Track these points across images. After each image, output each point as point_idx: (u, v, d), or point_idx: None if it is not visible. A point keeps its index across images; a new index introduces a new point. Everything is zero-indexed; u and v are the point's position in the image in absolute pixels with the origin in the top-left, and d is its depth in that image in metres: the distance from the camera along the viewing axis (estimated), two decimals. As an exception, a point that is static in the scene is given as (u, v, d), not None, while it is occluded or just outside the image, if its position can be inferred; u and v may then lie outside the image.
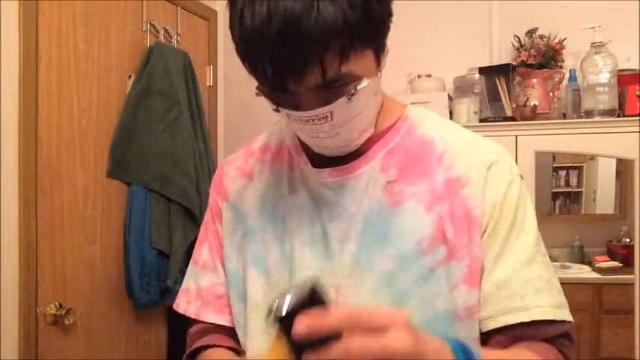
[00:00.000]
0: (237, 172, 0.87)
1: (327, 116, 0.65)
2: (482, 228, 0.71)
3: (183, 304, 0.88)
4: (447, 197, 0.72)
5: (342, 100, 0.64)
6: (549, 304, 0.69)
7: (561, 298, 0.72)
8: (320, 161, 0.77)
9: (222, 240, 0.85)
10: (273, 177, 0.82)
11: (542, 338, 0.71)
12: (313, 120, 0.66)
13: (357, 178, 0.75)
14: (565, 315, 0.70)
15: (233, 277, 0.83)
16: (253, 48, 0.60)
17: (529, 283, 0.70)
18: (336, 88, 0.63)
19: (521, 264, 0.71)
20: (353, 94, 0.64)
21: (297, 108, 0.65)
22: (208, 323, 0.85)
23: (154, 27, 2.03)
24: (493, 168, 0.73)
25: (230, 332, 0.85)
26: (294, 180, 0.79)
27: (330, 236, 0.74)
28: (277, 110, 0.67)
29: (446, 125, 0.80)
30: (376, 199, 0.73)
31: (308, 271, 0.75)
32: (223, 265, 0.85)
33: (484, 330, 0.71)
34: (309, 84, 0.61)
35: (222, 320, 0.84)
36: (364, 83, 0.64)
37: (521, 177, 0.76)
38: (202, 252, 0.88)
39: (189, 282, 0.89)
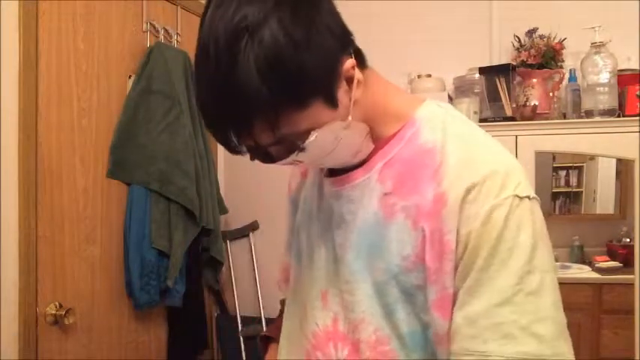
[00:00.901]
0: (297, 170, 0.94)
1: (294, 162, 0.67)
2: (453, 256, 0.65)
3: (278, 274, 1.05)
4: (432, 215, 0.67)
5: (297, 153, 0.65)
6: (514, 354, 0.61)
7: (537, 349, 0.61)
8: (331, 169, 0.80)
9: (288, 230, 0.96)
10: (313, 176, 0.87)
11: None
12: (285, 164, 0.69)
13: (353, 188, 0.75)
14: None
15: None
16: (201, 117, 0.66)
17: (497, 327, 0.62)
18: (282, 145, 0.64)
19: (493, 304, 0.62)
20: (301, 150, 0.64)
21: (261, 160, 0.69)
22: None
23: (154, 27, 2.03)
24: (476, 189, 0.65)
25: None
26: (322, 183, 0.83)
27: (335, 242, 0.77)
28: (251, 159, 0.69)
29: (455, 130, 0.72)
30: (372, 210, 0.73)
31: (321, 272, 0.80)
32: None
33: None
34: (249, 146, 0.65)
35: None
36: (312, 137, 0.64)
37: (521, 197, 0.65)
38: (287, 232, 0.98)
39: (282, 256, 1.02)
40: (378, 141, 0.74)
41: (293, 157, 0.66)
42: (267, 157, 0.68)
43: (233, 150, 0.66)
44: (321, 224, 0.81)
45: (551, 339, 0.62)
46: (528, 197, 0.66)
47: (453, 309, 0.66)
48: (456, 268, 0.66)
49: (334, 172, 0.78)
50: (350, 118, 0.68)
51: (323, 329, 0.77)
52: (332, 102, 0.64)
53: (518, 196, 0.65)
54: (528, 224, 0.64)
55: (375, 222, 0.72)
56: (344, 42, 0.66)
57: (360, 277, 0.73)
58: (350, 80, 0.67)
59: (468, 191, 0.65)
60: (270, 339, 1.00)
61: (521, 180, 0.67)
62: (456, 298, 0.66)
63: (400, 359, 0.71)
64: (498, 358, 0.61)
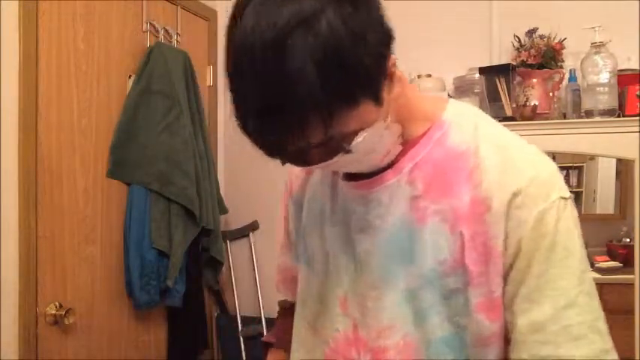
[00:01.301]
0: (301, 167, 0.88)
1: (330, 165, 0.63)
2: (500, 260, 0.66)
3: (276, 276, 1.03)
4: (471, 218, 0.67)
5: (340, 155, 0.61)
6: (586, 356, 0.63)
7: (602, 344, 0.64)
8: (351, 172, 0.76)
9: (291, 230, 0.92)
10: (321, 178, 0.84)
11: None
12: (319, 167, 0.65)
13: (382, 192, 0.72)
14: None
15: (298, 262, 0.90)
16: (239, 119, 0.59)
17: (566, 331, 0.63)
18: (329, 146, 0.60)
19: (559, 308, 0.64)
20: (349, 151, 0.61)
21: (296, 164, 0.65)
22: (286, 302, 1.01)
23: (154, 27, 2.03)
24: (522, 194, 0.65)
25: None
26: (336, 183, 0.80)
27: (357, 248, 0.75)
28: (282, 163, 0.66)
29: (486, 132, 0.71)
30: (401, 213, 0.71)
31: (342, 277, 0.77)
32: (291, 249, 0.93)
33: None
34: (297, 148, 0.59)
35: (289, 296, 0.98)
36: (360, 138, 0.60)
37: (566, 198, 0.67)
38: (280, 234, 0.97)
39: (278, 257, 1.01)
40: (406, 143, 0.72)
41: (335, 159, 0.62)
42: (306, 161, 0.63)
43: (275, 153, 0.61)
44: (336, 227, 0.78)
45: (606, 333, 0.65)
46: (570, 197, 0.68)
47: (502, 312, 0.67)
48: (504, 272, 0.66)
49: (354, 175, 0.74)
50: (389, 118, 0.65)
51: (344, 334, 0.76)
52: (378, 100, 0.61)
53: (563, 197, 0.66)
54: (576, 224, 0.67)
55: (405, 226, 0.71)
56: (390, 37, 0.63)
57: (389, 284, 0.71)
58: (391, 77, 0.64)
59: (515, 196, 0.65)
60: (270, 345, 1.00)
61: (561, 181, 0.68)
62: (505, 301, 0.67)
63: None
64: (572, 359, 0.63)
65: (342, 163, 0.64)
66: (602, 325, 0.65)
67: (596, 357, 0.63)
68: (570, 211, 0.67)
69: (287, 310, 1.00)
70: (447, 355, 0.70)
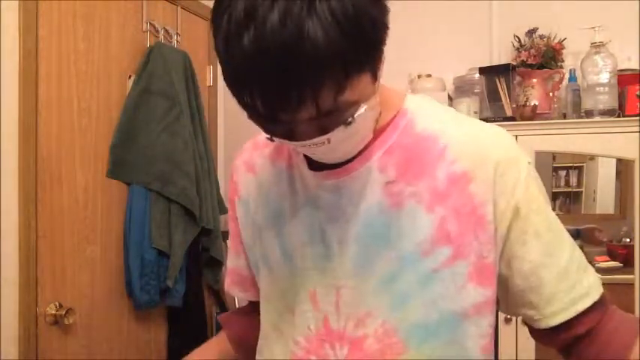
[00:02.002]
0: (244, 167, 0.87)
1: (324, 142, 0.62)
2: (491, 226, 0.69)
3: (224, 274, 1.01)
4: (451, 193, 0.69)
5: (340, 128, 0.60)
6: (595, 277, 0.73)
7: (588, 263, 0.75)
8: (317, 162, 0.74)
9: (242, 232, 0.88)
10: (274, 174, 0.81)
11: (601, 308, 0.73)
12: (309, 145, 0.62)
13: (353, 180, 0.72)
14: (600, 286, 0.74)
15: (255, 265, 0.87)
16: (241, 82, 0.56)
17: (579, 267, 0.72)
18: (332, 116, 0.59)
19: (569, 251, 0.72)
20: (350, 122, 0.60)
21: (291, 137, 0.61)
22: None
23: (154, 27, 2.03)
24: (504, 163, 0.70)
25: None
26: (294, 179, 0.78)
27: (329, 238, 0.74)
28: (271, 139, 0.64)
29: (448, 116, 0.76)
30: (375, 200, 0.71)
31: (310, 272, 0.75)
32: (245, 251, 0.90)
33: (552, 325, 0.72)
34: (303, 117, 0.57)
35: (248, 297, 0.93)
36: (362, 109, 0.60)
37: (529, 163, 0.74)
38: (230, 236, 0.94)
39: (227, 258, 0.97)
40: (374, 130, 0.73)
41: (334, 134, 0.60)
42: (299, 134, 0.61)
43: (270, 116, 0.58)
44: (300, 223, 0.76)
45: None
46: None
47: (495, 276, 0.71)
48: (496, 236, 0.70)
49: (321, 166, 0.73)
50: (378, 97, 0.65)
51: (315, 332, 0.75)
52: (376, 75, 0.61)
53: (529, 162, 0.74)
54: (539, 179, 0.75)
55: (380, 212, 0.71)
56: (387, 11, 0.62)
57: (365, 270, 0.71)
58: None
59: (498, 165, 0.70)
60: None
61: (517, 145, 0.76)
62: (504, 261, 0.71)
63: (409, 350, 0.70)
64: (593, 287, 0.72)
65: (332, 145, 0.62)
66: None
67: (598, 281, 0.74)
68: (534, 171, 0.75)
69: (243, 308, 0.99)
70: (428, 339, 0.70)
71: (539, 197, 0.72)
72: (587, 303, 0.71)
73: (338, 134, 0.61)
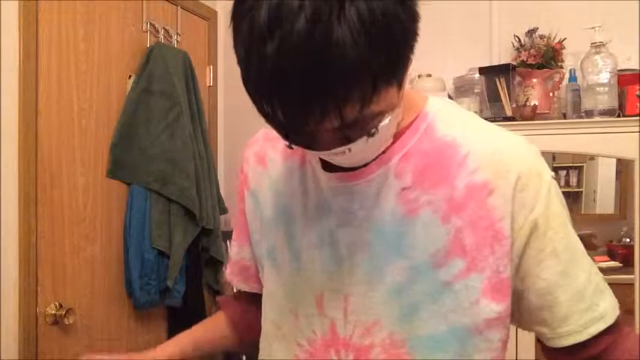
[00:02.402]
0: (254, 158, 0.85)
1: (344, 152, 0.60)
2: (509, 241, 0.67)
3: (226, 266, 0.97)
4: (468, 205, 0.67)
5: (363, 139, 0.58)
6: (611, 301, 0.72)
7: (610, 290, 0.73)
8: (331, 163, 0.71)
9: (249, 225, 0.87)
10: (286, 170, 0.79)
11: (615, 330, 0.72)
12: (329, 154, 0.61)
13: (368, 183, 0.69)
14: (618, 309, 0.73)
15: (261, 261, 0.85)
16: (262, 90, 0.53)
17: (596, 288, 0.71)
18: (356, 127, 0.57)
19: (587, 272, 0.70)
20: (374, 134, 0.58)
21: (311, 147, 0.60)
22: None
23: (154, 27, 2.03)
24: (525, 177, 0.67)
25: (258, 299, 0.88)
26: (306, 177, 0.76)
27: (339, 242, 0.71)
28: (290, 147, 0.61)
29: (471, 123, 0.72)
30: (389, 206, 0.69)
31: (318, 275, 0.73)
32: (251, 243, 0.88)
33: (562, 345, 0.70)
34: (326, 128, 0.55)
35: (249, 288, 0.91)
36: (386, 120, 0.58)
37: (554, 177, 0.71)
38: (235, 227, 0.93)
39: (230, 249, 0.95)
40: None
41: (357, 144, 0.58)
42: (321, 144, 0.59)
43: (292, 127, 0.56)
44: (311, 223, 0.74)
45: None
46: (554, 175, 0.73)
47: (509, 292, 0.69)
48: (513, 252, 0.68)
49: (335, 167, 0.70)
50: (402, 105, 0.64)
51: (321, 337, 0.73)
52: (402, 84, 0.59)
53: (552, 177, 0.71)
54: (562, 196, 0.73)
55: (393, 219, 0.68)
56: (417, 17, 0.59)
57: (375, 278, 0.69)
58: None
59: (519, 179, 0.67)
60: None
61: (542, 158, 0.73)
62: (518, 278, 0.69)
63: None
64: (610, 311, 0.71)
65: (354, 152, 0.60)
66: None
67: (615, 305, 0.72)
68: (558, 188, 0.73)
69: (241, 296, 0.96)
70: (436, 352, 0.68)
71: (560, 215, 0.70)
72: (600, 327, 0.69)
73: (360, 144, 0.59)
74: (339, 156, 0.61)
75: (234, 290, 0.97)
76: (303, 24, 0.49)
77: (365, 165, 0.69)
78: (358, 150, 0.60)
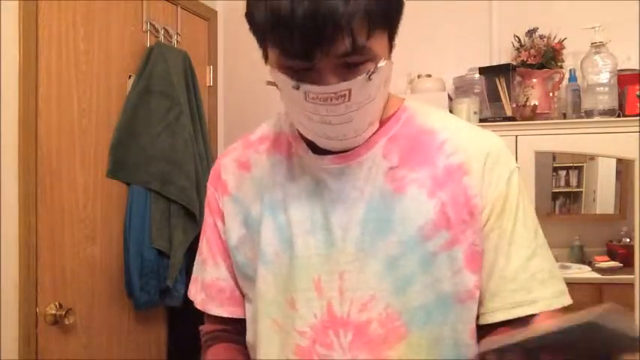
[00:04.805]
0: (235, 164, 0.86)
1: (345, 94, 0.66)
2: (481, 217, 0.74)
3: (193, 292, 0.93)
4: (448, 183, 0.74)
5: (362, 78, 0.65)
6: (552, 295, 0.74)
7: (561, 285, 0.76)
8: (320, 149, 0.76)
9: (227, 232, 0.84)
10: (270, 165, 0.82)
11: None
12: (331, 98, 0.66)
13: (359, 165, 0.75)
14: (564, 301, 0.75)
15: (243, 269, 0.83)
16: (281, 20, 0.61)
17: (534, 277, 0.73)
18: (358, 64, 0.65)
19: (525, 259, 0.74)
20: (373, 72, 0.65)
21: (318, 81, 0.66)
22: (216, 322, 0.90)
23: (154, 27, 2.03)
24: (493, 159, 0.75)
25: (236, 324, 0.87)
26: (293, 167, 0.79)
27: (333, 223, 0.75)
28: (297, 87, 0.66)
29: (445, 116, 0.82)
30: (378, 185, 0.74)
31: (313, 259, 0.75)
32: (226, 259, 0.86)
33: (491, 321, 0.74)
34: (337, 53, 0.63)
35: (225, 313, 0.88)
36: (383, 62, 0.66)
37: (519, 168, 0.78)
38: (203, 246, 0.90)
39: (196, 273, 0.92)
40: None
41: (355, 82, 0.65)
42: (325, 79, 0.66)
43: (306, 52, 0.63)
44: (301, 210, 0.76)
45: (561, 278, 0.77)
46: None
47: (481, 263, 0.74)
48: (483, 226, 0.74)
49: (326, 151, 0.75)
50: (391, 71, 0.72)
51: (320, 319, 0.74)
52: (392, 41, 0.71)
53: (517, 167, 0.78)
54: (525, 188, 0.78)
55: (384, 196, 0.74)
56: None
57: (369, 254, 0.73)
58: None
59: (487, 159, 0.75)
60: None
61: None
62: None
63: (411, 333, 0.72)
64: (543, 301, 0.72)
65: (352, 102, 0.67)
66: (557, 271, 0.77)
67: (556, 296, 0.74)
68: (520, 179, 0.78)
69: (219, 337, 0.91)
70: (428, 322, 0.72)
71: (515, 200, 0.75)
72: (527, 311, 0.72)
73: (358, 87, 0.65)
74: (340, 107, 0.66)
75: (205, 314, 0.92)
76: None
77: (353, 148, 0.75)
78: (356, 98, 0.66)
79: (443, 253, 0.72)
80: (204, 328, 0.94)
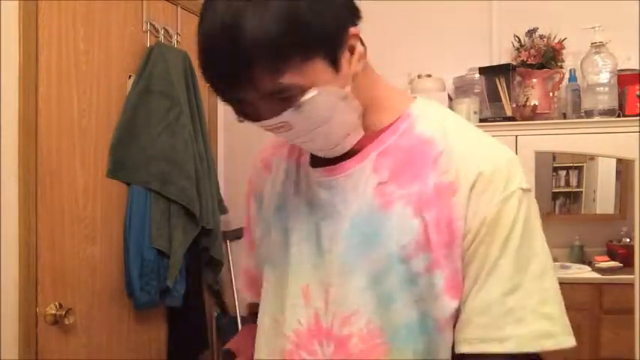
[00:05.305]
0: (261, 165, 0.91)
1: (282, 126, 0.65)
2: (462, 241, 0.68)
3: (240, 278, 1.02)
4: (435, 203, 0.69)
5: (291, 112, 0.63)
6: (530, 336, 0.66)
7: (545, 325, 0.67)
8: (319, 159, 0.77)
9: (252, 226, 0.92)
10: (285, 173, 0.84)
11: None
12: (272, 129, 0.66)
13: (346, 178, 0.74)
14: (548, 344, 0.67)
15: (260, 264, 0.88)
16: (204, 63, 0.65)
17: (510, 313, 0.67)
18: (283, 99, 0.63)
19: (503, 292, 0.67)
20: (299, 106, 0.63)
21: (254, 118, 0.66)
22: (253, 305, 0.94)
23: (154, 27, 2.03)
24: (485, 180, 0.68)
25: None
26: (299, 178, 0.81)
27: (322, 234, 0.75)
28: (241, 121, 0.68)
29: (451, 125, 0.75)
30: (366, 200, 0.73)
31: (304, 267, 0.77)
32: (254, 248, 0.92)
33: (458, 352, 0.70)
34: (248, 97, 0.63)
35: (256, 298, 0.91)
36: (310, 94, 0.62)
37: (525, 190, 0.70)
38: (245, 234, 0.97)
39: (243, 259, 1.00)
40: (372, 131, 0.75)
41: (286, 116, 0.64)
42: (256, 114, 0.66)
43: (221, 94, 0.66)
44: (300, 218, 0.79)
45: (559, 317, 0.68)
46: (529, 189, 0.70)
47: (462, 290, 0.69)
48: (463, 253, 0.69)
49: (321, 163, 0.76)
50: (348, 89, 0.68)
51: (306, 327, 0.75)
52: (334, 64, 0.64)
53: (522, 188, 0.69)
54: (536, 215, 0.70)
55: (370, 212, 0.72)
56: (354, 13, 0.68)
57: (352, 269, 0.72)
58: (352, 50, 0.67)
59: (476, 182, 0.68)
60: (231, 355, 0.93)
61: (521, 171, 0.71)
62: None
63: (392, 352, 0.71)
64: (515, 340, 0.66)
65: (297, 129, 0.66)
66: (552, 309, 0.68)
67: (536, 338, 0.66)
68: (527, 203, 0.69)
69: (254, 315, 0.95)
70: (410, 341, 0.70)
71: (507, 229, 0.67)
72: (494, 349, 0.66)
73: (293, 118, 0.64)
74: (288, 133, 0.66)
75: (236, 302, 1.00)
76: (221, 4, 0.63)
77: (344, 160, 0.74)
78: (300, 127, 0.65)
79: (424, 275, 0.69)
80: (250, 309, 1.02)
